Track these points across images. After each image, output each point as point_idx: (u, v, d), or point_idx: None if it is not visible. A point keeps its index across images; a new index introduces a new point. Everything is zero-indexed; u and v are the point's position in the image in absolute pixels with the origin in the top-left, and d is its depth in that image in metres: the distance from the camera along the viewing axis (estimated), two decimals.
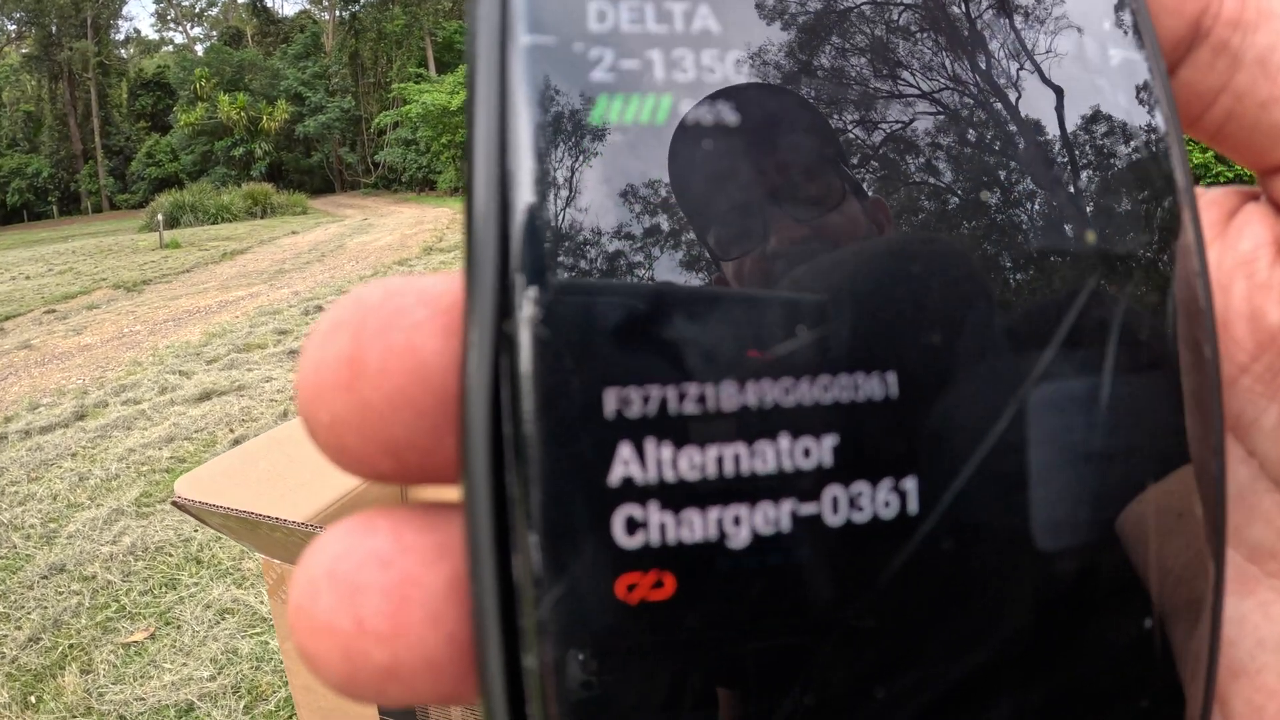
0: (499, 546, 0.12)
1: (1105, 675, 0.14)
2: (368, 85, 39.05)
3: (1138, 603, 0.15)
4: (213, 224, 20.48)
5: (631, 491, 0.12)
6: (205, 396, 5.01)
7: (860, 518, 0.13)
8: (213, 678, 2.32)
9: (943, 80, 0.15)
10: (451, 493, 0.13)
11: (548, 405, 0.12)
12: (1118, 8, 0.16)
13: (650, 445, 0.12)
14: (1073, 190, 0.15)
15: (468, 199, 0.13)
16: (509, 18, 0.13)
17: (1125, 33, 0.16)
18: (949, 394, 0.13)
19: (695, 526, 0.12)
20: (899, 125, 0.14)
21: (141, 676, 2.34)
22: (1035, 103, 0.15)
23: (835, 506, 0.13)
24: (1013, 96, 0.15)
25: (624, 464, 0.12)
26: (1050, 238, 0.15)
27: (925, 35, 0.15)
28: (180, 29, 48.39)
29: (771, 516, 0.12)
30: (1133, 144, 0.15)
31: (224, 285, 9.76)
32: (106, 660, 2.42)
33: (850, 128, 0.14)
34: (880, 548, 0.13)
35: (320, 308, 7.70)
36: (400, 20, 37.19)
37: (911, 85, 0.15)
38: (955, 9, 0.15)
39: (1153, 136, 0.16)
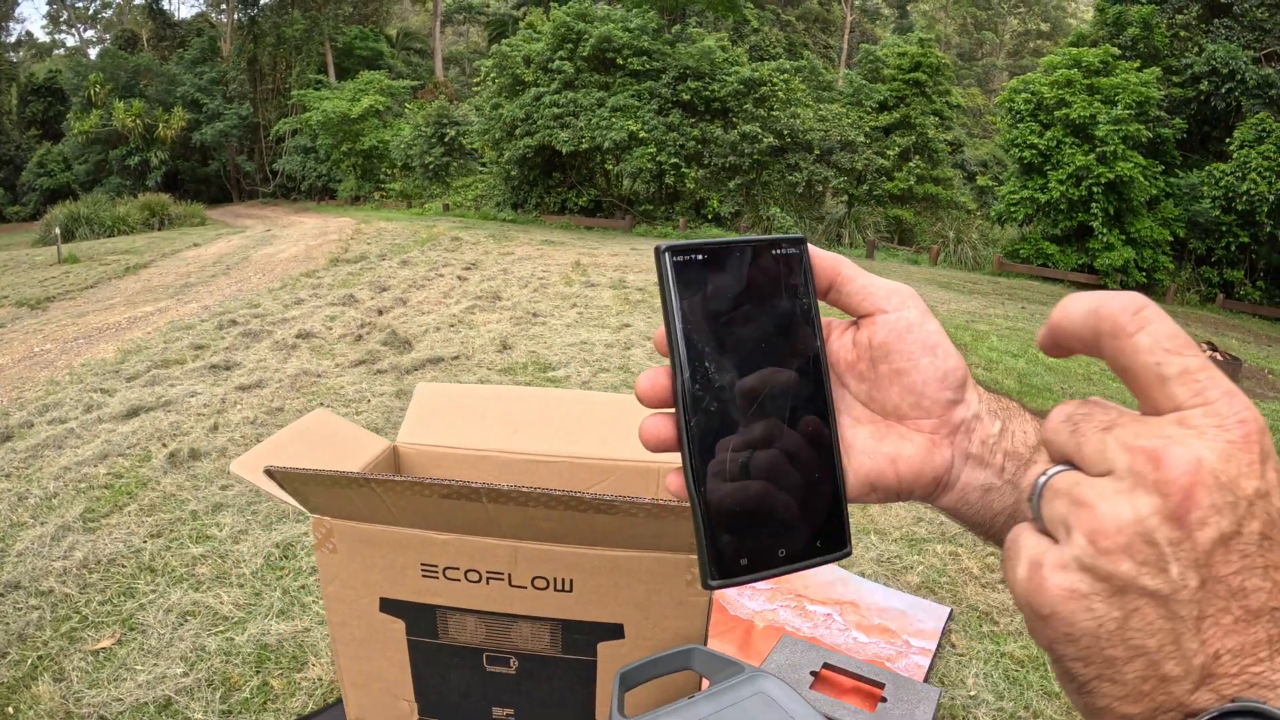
0: (683, 411, 0.48)
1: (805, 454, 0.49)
2: (266, 91, 38.23)
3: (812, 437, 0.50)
4: (109, 236, 19.91)
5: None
6: (133, 413, 5.06)
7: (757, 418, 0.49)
8: (185, 674, 2.48)
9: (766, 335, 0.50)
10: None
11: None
12: (805, 284, 0.51)
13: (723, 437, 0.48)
14: (794, 342, 0.50)
15: (677, 393, 0.48)
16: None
17: (803, 288, 0.51)
18: (774, 422, 0.49)
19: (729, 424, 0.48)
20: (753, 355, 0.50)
21: (115, 679, 2.49)
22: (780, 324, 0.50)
23: (749, 422, 0.48)
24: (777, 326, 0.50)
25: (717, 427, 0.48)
26: (790, 364, 0.50)
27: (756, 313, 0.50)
28: (73, 32, 46.58)
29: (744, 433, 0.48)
30: (806, 328, 0.51)
31: (130, 301, 9.63)
32: (78, 668, 2.55)
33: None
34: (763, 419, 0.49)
35: (234, 322, 7.71)
36: (300, 24, 36.48)
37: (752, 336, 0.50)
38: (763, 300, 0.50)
39: (813, 322, 0.51)
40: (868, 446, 0.51)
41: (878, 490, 0.51)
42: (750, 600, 2.76)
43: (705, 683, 1.06)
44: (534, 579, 0.95)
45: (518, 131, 21.06)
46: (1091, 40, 20.90)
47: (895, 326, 0.51)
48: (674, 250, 0.49)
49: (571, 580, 0.95)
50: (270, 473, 0.86)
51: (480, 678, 1.07)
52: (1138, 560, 0.36)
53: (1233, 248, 18.73)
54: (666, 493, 1.47)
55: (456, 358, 6.41)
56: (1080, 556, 0.37)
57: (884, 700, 2.22)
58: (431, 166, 26.42)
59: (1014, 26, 51.38)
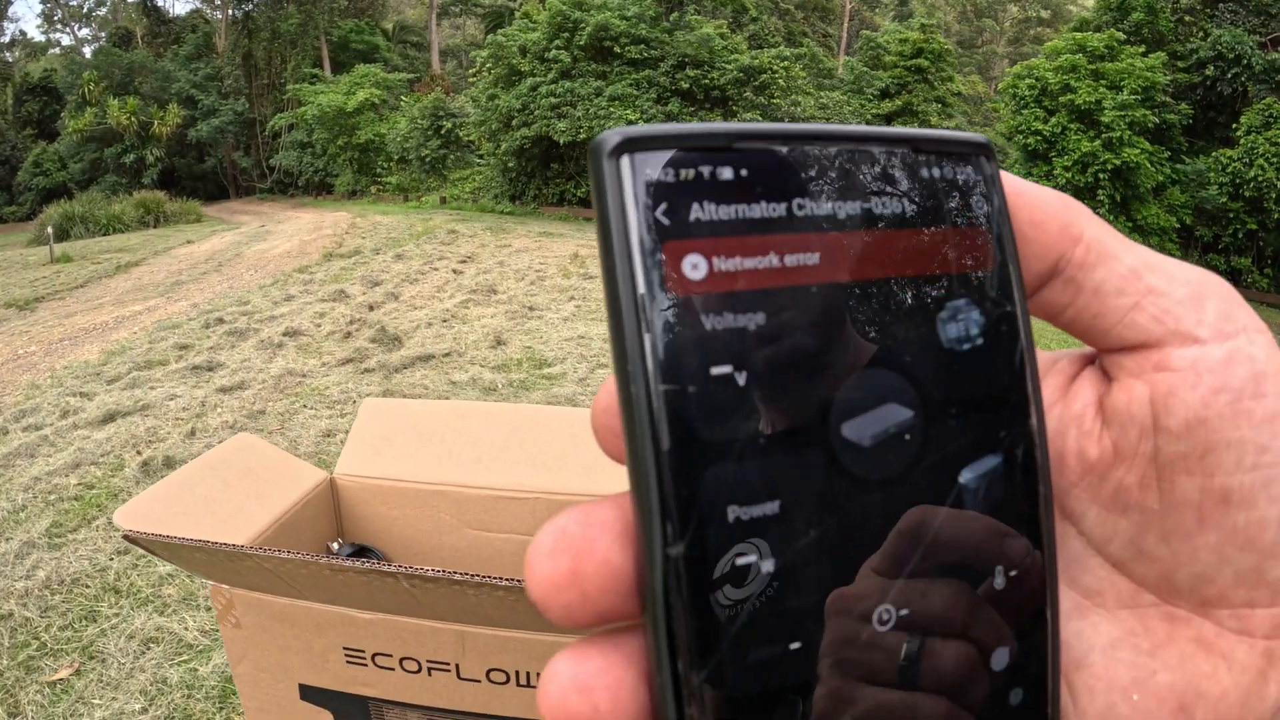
0: (670, 656, 0.20)
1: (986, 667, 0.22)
2: (261, 87, 37.95)
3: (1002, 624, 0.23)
4: (104, 235, 19.69)
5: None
6: (109, 418, 4.85)
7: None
8: (144, 710, 2.27)
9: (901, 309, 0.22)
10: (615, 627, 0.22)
11: (684, 584, 0.20)
12: (1002, 262, 0.23)
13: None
14: (974, 391, 0.23)
15: (636, 484, 0.20)
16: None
17: (1003, 273, 0.23)
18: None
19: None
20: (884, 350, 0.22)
21: (71, 715, 2.28)
22: (938, 327, 0.22)
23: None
24: (932, 324, 0.22)
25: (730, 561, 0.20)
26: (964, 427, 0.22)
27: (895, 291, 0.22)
28: (67, 30, 46.29)
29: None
30: (1009, 357, 0.23)
31: (119, 300, 9.42)
32: (33, 701, 2.34)
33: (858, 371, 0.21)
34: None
35: (221, 320, 7.49)
36: (295, 19, 36.19)
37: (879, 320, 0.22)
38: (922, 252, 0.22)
39: (1018, 351, 0.23)
40: (1124, 669, 0.24)
41: None
42: None
43: None
44: (489, 671, 0.73)
45: (514, 122, 20.82)
46: (1095, 25, 20.61)
47: (1224, 383, 0.22)
48: (638, 145, 0.20)
49: (539, 673, 0.73)
50: (132, 540, 0.65)
51: None
52: None
53: (1240, 235, 18.49)
54: None
55: (448, 355, 6.19)
56: None
57: None
58: (428, 159, 26.14)
59: (1014, 14, 51.05)
